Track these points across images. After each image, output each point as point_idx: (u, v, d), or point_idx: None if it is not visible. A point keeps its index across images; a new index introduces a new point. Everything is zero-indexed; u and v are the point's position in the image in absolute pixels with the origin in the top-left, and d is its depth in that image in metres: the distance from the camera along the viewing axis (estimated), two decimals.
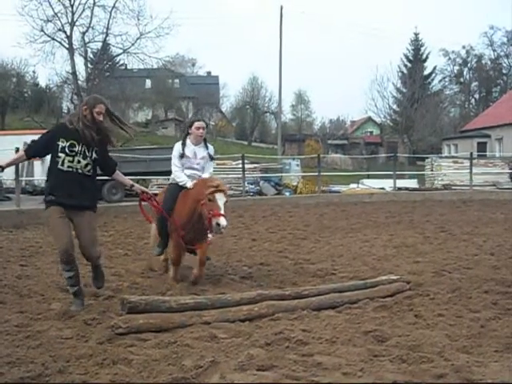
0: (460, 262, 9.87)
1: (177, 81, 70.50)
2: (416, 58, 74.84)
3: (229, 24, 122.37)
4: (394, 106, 72.88)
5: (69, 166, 6.68)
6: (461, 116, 78.55)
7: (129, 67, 53.26)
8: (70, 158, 6.67)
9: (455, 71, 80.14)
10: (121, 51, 47.33)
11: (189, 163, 8.72)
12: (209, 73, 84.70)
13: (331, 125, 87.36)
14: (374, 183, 32.87)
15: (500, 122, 57.11)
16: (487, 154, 50.88)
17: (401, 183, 31.53)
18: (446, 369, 4.66)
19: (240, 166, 27.73)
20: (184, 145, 8.74)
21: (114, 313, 6.42)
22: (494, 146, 57.01)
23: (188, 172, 8.69)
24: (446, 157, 44.86)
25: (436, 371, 4.61)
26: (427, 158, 39.32)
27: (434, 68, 76.80)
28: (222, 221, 7.71)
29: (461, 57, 79.41)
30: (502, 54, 79.59)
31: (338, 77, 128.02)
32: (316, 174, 28.41)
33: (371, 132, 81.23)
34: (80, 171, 6.74)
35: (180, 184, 8.57)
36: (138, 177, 22.74)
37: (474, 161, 33.61)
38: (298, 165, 34.15)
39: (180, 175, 8.61)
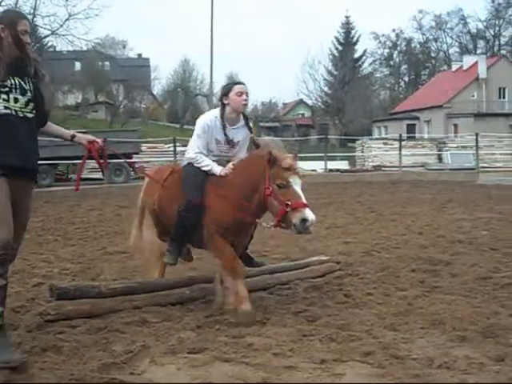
0: (389, 241, 10.05)
1: (107, 63, 69.42)
2: (347, 40, 75.64)
3: (160, 5, 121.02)
4: (326, 89, 73.60)
5: (5, 107, 4.67)
6: (391, 98, 79.94)
7: (57, 49, 52.14)
8: (5, 96, 4.65)
9: (385, 54, 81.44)
10: (49, 33, 46.13)
11: (217, 151, 6.36)
12: (139, 55, 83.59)
13: (263, 107, 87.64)
14: (305, 165, 33.12)
15: (428, 105, 58.39)
16: (416, 135, 51.90)
17: (332, 165, 31.95)
18: (374, 346, 4.76)
19: (172, 149, 27.55)
20: (223, 124, 6.23)
21: (43, 300, 6.29)
22: (423, 127, 58.30)
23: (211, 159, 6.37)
24: (377, 138, 45.75)
25: (364, 349, 4.71)
26: (358, 139, 39.96)
27: (365, 51, 77.87)
28: (310, 214, 5.45)
29: (391, 40, 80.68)
30: (431, 37, 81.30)
31: (270, 59, 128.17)
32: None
33: (303, 114, 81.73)
34: (21, 114, 4.73)
35: (204, 169, 6.24)
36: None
37: (404, 142, 34.34)
38: None
39: (202, 159, 6.22)
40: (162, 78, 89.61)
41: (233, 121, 6.31)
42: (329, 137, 49.08)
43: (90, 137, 5.30)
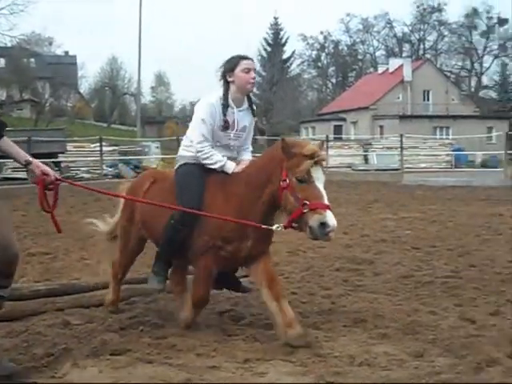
0: (314, 241, 10.11)
1: (32, 60, 67.88)
2: (275, 41, 76.14)
3: (87, 2, 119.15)
4: (254, 89, 73.68)
5: None
6: (318, 100, 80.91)
7: None
8: None
9: (313, 56, 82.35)
10: None
11: (223, 138, 5.43)
12: (66, 52, 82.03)
13: (191, 107, 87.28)
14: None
15: (355, 106, 59.27)
16: (343, 136, 52.65)
17: None
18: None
19: (98, 148, 27.20)
20: (226, 105, 5.36)
21: None
22: (350, 128, 59.13)
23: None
24: (304, 139, 45.94)
25: (287, 348, 4.75)
26: None
27: (293, 52, 78.62)
28: (331, 219, 4.65)
29: (319, 42, 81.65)
30: (358, 40, 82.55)
31: (200, 58, 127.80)
32: (176, 156, 28.33)
33: None
34: None
35: (212, 166, 5.30)
36: None
37: (331, 143, 34.69)
38: (157, 147, 34.02)
39: (211, 153, 5.27)
40: (89, 76, 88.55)
41: (238, 102, 5.44)
42: (257, 137, 49.31)
43: (46, 168, 4.38)
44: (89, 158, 28.94)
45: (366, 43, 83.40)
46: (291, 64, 79.07)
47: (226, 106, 5.33)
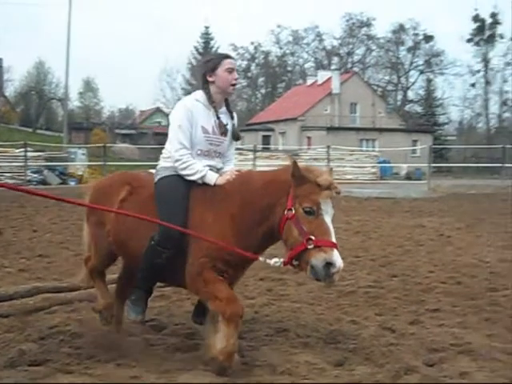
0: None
1: None
2: (206, 50, 76.20)
3: (14, 4, 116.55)
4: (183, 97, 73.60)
5: None
6: (247, 110, 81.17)
7: None
8: None
9: (243, 66, 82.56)
10: None
11: (204, 143, 4.94)
12: None
13: (120, 114, 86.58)
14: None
15: (284, 117, 59.77)
16: (271, 146, 52.97)
17: None
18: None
19: (23, 154, 26.65)
20: (210, 105, 4.97)
21: None
22: (278, 139, 59.51)
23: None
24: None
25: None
26: None
27: None
28: (338, 259, 4.22)
29: (249, 52, 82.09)
30: (288, 51, 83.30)
31: (129, 66, 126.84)
32: (102, 163, 28.03)
33: (160, 122, 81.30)
34: None
35: (192, 177, 4.81)
36: None
37: (258, 153, 34.84)
38: (83, 154, 33.52)
39: (190, 162, 4.80)
40: (15, 80, 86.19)
41: (218, 104, 5.02)
42: None
43: None
44: (13, 164, 28.27)
45: (296, 55, 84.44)
46: None
47: (209, 107, 4.95)
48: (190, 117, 4.84)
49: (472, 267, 8.67)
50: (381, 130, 57.90)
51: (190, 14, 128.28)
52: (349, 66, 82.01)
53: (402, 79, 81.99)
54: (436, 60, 79.38)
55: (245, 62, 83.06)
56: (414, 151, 52.03)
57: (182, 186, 4.83)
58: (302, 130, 57.76)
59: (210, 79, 4.97)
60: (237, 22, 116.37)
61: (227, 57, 5.06)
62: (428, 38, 78.84)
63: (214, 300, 4.48)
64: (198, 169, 4.79)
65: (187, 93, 71.86)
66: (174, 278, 4.88)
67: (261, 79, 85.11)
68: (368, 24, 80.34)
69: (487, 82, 77.30)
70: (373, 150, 46.69)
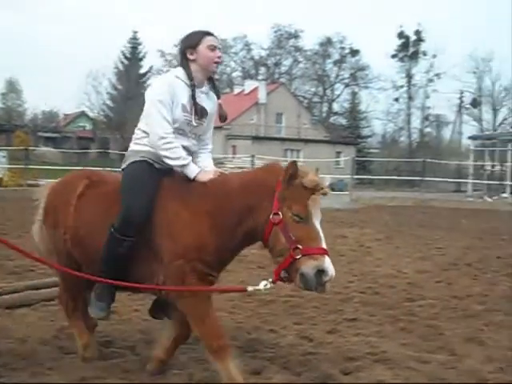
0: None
1: None
2: (133, 56, 75.44)
3: None
4: (109, 102, 72.79)
5: None
6: None
7: None
8: None
9: None
10: None
11: (183, 123, 4.56)
12: None
13: (43, 116, 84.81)
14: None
15: None
16: None
17: None
18: (136, 363, 4.78)
19: None
20: (191, 83, 4.59)
21: None
22: None
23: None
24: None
25: (125, 366, 4.71)
26: None
27: (151, 68, 78.09)
28: (329, 265, 3.97)
29: (177, 59, 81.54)
30: None
31: (54, 68, 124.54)
32: (24, 166, 27.48)
33: (84, 127, 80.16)
34: None
35: (172, 162, 4.43)
36: None
37: None
38: (4, 156, 32.71)
39: (176, 146, 4.42)
40: None
41: (198, 83, 4.64)
42: (109, 151, 48.71)
43: None
44: None
45: (224, 64, 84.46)
46: (148, 79, 78.59)
47: (190, 84, 4.56)
48: (172, 92, 4.46)
49: (390, 278, 8.84)
50: (305, 141, 58.57)
51: (118, 18, 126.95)
52: (276, 76, 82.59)
53: (328, 91, 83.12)
54: (361, 74, 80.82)
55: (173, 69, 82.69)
56: (337, 162, 52.81)
57: (153, 174, 4.46)
58: (227, 138, 57.83)
59: (190, 57, 4.62)
60: (166, 29, 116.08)
61: (208, 33, 4.69)
62: (354, 52, 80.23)
63: (199, 325, 4.24)
64: (181, 155, 4.41)
65: (113, 97, 71.46)
66: (139, 277, 4.37)
67: None
68: (296, 36, 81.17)
69: (410, 97, 79.15)
70: (298, 161, 47.10)
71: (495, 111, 74.41)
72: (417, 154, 59.19)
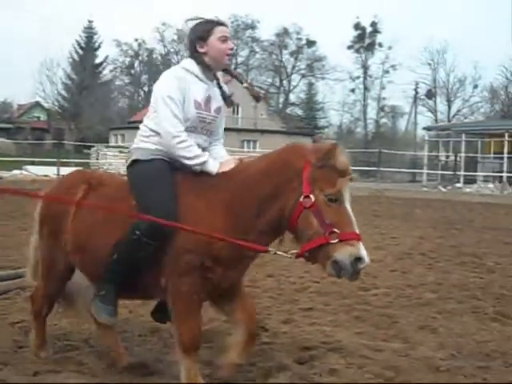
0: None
1: None
2: (88, 45, 74.54)
3: None
4: (63, 93, 71.88)
5: None
6: (129, 107, 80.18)
7: None
8: None
9: (126, 63, 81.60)
10: None
11: (195, 121, 4.31)
12: None
13: None
14: (38, 170, 32.15)
15: None
16: None
17: (66, 171, 31.21)
18: (90, 355, 4.78)
19: None
20: (204, 76, 4.37)
21: None
22: None
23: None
24: (113, 146, 45.53)
25: (80, 358, 4.71)
26: (93, 146, 39.51)
27: (106, 57, 77.39)
28: (365, 253, 3.79)
29: (133, 49, 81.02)
30: (172, 50, 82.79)
31: (6, 56, 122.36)
32: None
33: (38, 117, 78.99)
34: None
35: (189, 162, 4.17)
36: None
37: None
38: None
39: (191, 144, 4.17)
40: None
41: (210, 77, 4.42)
42: (64, 142, 48.16)
43: None
44: None
45: (180, 54, 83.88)
46: (103, 69, 77.89)
47: (203, 77, 4.34)
48: (183, 88, 4.19)
49: None
50: (262, 132, 58.64)
51: (72, 7, 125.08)
52: (232, 67, 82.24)
53: (285, 82, 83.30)
54: (318, 65, 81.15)
55: (128, 59, 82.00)
56: None
57: (168, 170, 4.19)
58: None
59: (200, 50, 4.33)
60: (121, 18, 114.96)
61: (219, 23, 4.39)
62: (310, 43, 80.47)
63: (179, 322, 4.05)
64: (197, 153, 4.14)
65: (67, 87, 70.54)
66: (147, 281, 4.13)
67: (144, 76, 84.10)
68: (253, 26, 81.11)
69: (366, 88, 79.78)
70: (254, 151, 47.22)
71: (449, 102, 75.47)
72: (372, 145, 59.79)
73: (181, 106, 4.16)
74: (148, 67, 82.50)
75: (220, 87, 4.51)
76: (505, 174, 35.07)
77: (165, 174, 4.16)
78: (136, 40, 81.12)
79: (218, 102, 4.44)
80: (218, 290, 4.10)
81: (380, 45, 79.04)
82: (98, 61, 75.77)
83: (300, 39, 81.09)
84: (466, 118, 71.34)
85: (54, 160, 31.13)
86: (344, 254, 3.69)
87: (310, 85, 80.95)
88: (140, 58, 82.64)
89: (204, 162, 4.13)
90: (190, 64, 4.33)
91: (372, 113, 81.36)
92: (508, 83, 72.03)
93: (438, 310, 6.52)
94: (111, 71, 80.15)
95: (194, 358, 4.06)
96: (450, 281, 8.10)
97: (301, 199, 3.76)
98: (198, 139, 4.31)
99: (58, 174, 28.32)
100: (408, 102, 77.38)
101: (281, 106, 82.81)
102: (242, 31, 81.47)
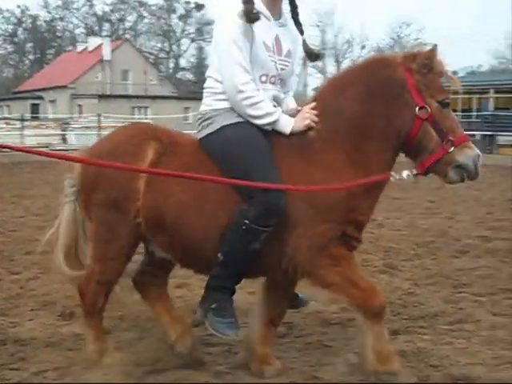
0: (6, 224, 9.75)
1: None
2: None
3: None
4: None
5: None
6: (14, 77, 77.52)
7: None
8: None
9: (9, 30, 78.57)
10: None
11: (269, 67, 3.69)
12: None
13: None
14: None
15: (53, 84, 57.84)
16: (40, 115, 51.09)
17: None
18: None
19: None
20: (263, 16, 3.63)
21: None
22: (47, 107, 57.51)
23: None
24: None
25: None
26: None
27: None
28: (477, 149, 3.57)
29: (15, 16, 78.07)
30: (57, 16, 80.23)
31: None
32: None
33: None
34: None
35: (258, 121, 3.58)
36: None
37: (27, 122, 33.62)
38: None
39: (260, 99, 3.57)
40: None
41: (274, 12, 3.70)
42: None
43: None
44: None
45: (66, 20, 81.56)
46: None
47: (270, 15, 3.67)
48: (249, 29, 3.52)
49: None
50: (153, 98, 57.89)
51: None
52: (120, 32, 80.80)
53: (174, 47, 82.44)
54: (207, 28, 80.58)
55: (11, 27, 78.98)
56: (185, 118, 52.67)
57: (262, 134, 3.59)
58: (72, 97, 56.16)
59: None
60: None
61: None
62: (199, 7, 79.84)
63: (348, 289, 3.54)
64: (268, 110, 3.57)
65: None
66: (267, 261, 3.64)
67: (29, 45, 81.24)
68: None
69: None
70: (145, 118, 46.69)
71: (338, 63, 76.68)
72: None
73: (247, 50, 3.55)
74: (32, 35, 79.73)
75: (299, 25, 3.86)
76: None
77: (262, 140, 3.59)
78: (19, 7, 78.15)
79: (287, 43, 3.78)
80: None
81: None
82: None
83: (188, 3, 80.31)
84: None
85: None
86: (466, 157, 3.52)
87: (200, 49, 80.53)
88: (23, 25, 79.70)
89: (275, 121, 3.60)
90: None
91: None
92: (394, 43, 73.87)
93: None
94: None
95: (383, 319, 3.65)
96: None
97: (417, 112, 3.52)
98: (273, 91, 3.76)
99: None
100: (298, 64, 77.96)
101: (171, 71, 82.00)
102: None
